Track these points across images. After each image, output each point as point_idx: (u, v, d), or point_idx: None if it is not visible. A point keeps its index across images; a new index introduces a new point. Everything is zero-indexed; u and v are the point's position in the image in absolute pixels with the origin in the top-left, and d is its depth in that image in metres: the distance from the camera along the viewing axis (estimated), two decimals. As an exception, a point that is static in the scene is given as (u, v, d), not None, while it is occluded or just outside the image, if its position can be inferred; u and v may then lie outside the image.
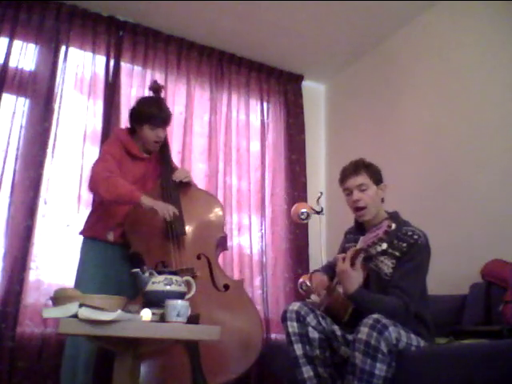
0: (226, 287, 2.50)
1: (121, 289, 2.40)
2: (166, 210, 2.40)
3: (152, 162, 2.72)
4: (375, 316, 1.73)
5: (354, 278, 1.89)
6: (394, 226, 1.78)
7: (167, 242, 2.47)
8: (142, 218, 2.50)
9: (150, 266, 2.02)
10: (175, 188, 2.61)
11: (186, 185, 2.70)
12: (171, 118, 2.74)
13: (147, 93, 3.13)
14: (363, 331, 1.70)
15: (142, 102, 2.71)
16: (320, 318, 1.99)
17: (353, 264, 1.89)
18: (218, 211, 2.71)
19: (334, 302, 2.06)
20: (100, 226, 2.53)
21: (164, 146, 2.74)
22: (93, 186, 2.43)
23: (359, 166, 2.15)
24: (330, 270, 2.31)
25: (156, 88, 2.85)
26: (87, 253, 2.51)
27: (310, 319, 1.97)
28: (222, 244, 2.74)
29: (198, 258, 2.52)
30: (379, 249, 1.87)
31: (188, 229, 2.56)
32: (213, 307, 2.37)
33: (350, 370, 1.74)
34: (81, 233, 2.59)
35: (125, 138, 2.62)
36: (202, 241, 2.58)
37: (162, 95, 2.93)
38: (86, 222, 2.60)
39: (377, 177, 2.16)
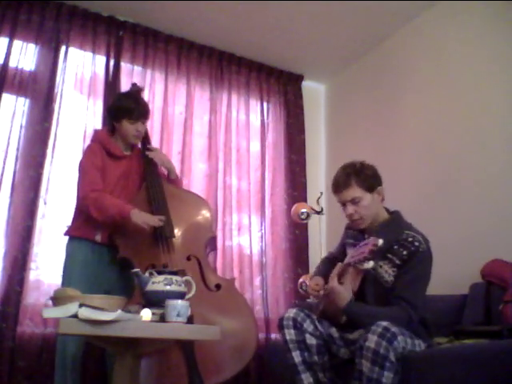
0: (218, 287, 2.50)
1: (109, 290, 2.39)
2: (152, 222, 2.38)
3: (134, 159, 2.69)
4: (384, 324, 1.69)
5: (343, 294, 1.89)
6: (380, 242, 1.75)
7: (156, 245, 2.46)
8: (130, 222, 2.45)
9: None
10: (161, 191, 2.60)
11: (172, 185, 2.69)
12: (149, 111, 2.71)
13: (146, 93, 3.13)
14: (371, 339, 1.66)
15: (119, 97, 2.71)
16: (317, 323, 1.98)
17: (340, 280, 1.89)
18: (205, 211, 2.70)
19: (330, 304, 2.05)
20: (88, 226, 2.48)
21: (147, 147, 2.73)
22: (85, 209, 2.44)
23: (349, 178, 2.03)
24: (329, 264, 2.28)
25: (136, 91, 2.79)
26: (74, 253, 2.47)
27: (307, 325, 1.95)
28: (211, 244, 2.75)
29: (188, 259, 2.51)
30: (366, 266, 1.85)
31: (177, 231, 2.55)
32: (205, 308, 2.36)
33: (356, 376, 1.72)
34: (66, 233, 2.54)
35: (105, 140, 2.60)
36: (191, 242, 2.58)
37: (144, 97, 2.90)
38: (73, 222, 2.55)
39: (370, 182, 2.04)
